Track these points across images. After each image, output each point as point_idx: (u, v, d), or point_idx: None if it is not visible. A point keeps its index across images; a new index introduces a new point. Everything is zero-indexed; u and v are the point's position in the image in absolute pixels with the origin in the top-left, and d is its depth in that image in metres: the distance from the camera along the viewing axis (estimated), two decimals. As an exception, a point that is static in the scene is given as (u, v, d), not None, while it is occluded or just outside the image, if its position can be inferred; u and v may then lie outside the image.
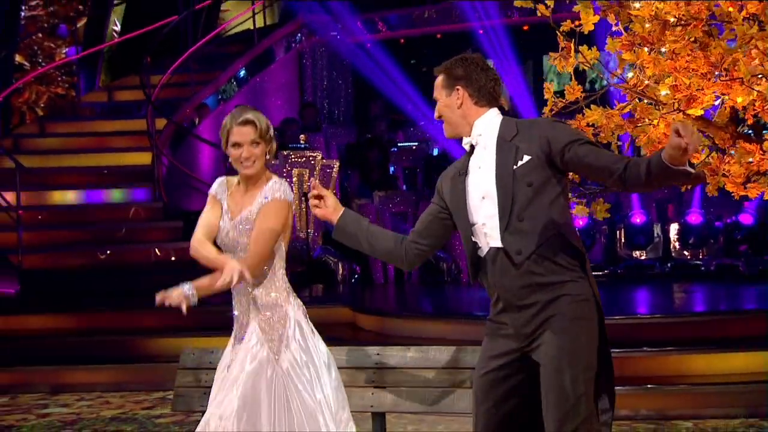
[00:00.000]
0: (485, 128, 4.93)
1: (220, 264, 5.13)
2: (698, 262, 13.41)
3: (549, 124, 4.85)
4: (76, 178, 15.60)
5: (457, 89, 4.94)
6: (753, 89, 4.63)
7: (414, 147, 15.90)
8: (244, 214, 5.33)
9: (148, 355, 11.64)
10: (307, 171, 14.35)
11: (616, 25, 5.36)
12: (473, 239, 4.95)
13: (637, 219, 13.49)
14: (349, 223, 5.29)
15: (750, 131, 5.26)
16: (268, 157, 5.36)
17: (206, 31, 18.05)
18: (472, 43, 18.53)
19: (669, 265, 13.40)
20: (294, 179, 14.27)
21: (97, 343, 11.92)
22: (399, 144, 15.65)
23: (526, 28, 16.63)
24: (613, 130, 5.35)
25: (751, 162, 5.00)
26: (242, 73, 17.81)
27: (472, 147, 4.98)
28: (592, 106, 5.41)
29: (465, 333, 10.16)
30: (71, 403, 10.60)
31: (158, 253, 14.17)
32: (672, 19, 4.91)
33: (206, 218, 5.44)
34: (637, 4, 5.34)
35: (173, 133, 16.26)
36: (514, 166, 4.77)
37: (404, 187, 14.97)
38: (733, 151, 5.32)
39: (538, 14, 5.55)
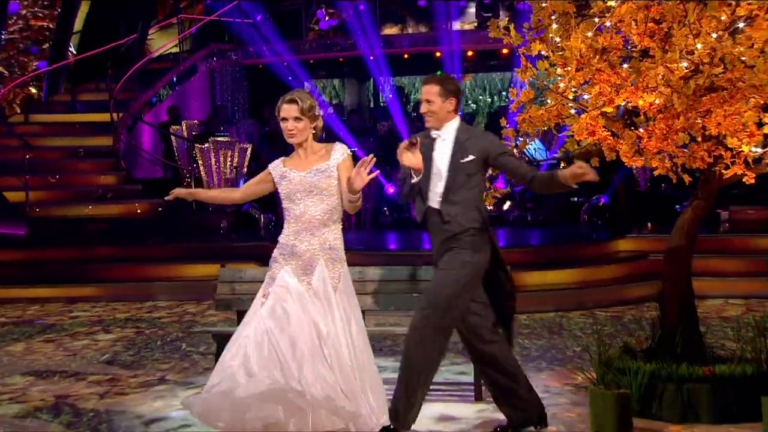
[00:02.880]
0: (450, 129, 5.13)
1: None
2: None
3: (487, 137, 5.21)
4: (62, 153, 15.17)
5: (451, 99, 5.12)
6: (662, 93, 4.93)
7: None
8: (319, 166, 4.80)
9: (135, 277, 11.45)
10: (230, 151, 14.24)
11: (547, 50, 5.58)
12: (423, 195, 5.14)
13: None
14: None
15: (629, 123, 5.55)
16: (314, 132, 4.89)
17: (139, 52, 17.74)
18: (342, 66, 18.67)
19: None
20: (221, 157, 14.14)
21: (96, 269, 11.70)
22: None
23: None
24: (545, 121, 5.56)
25: (640, 143, 5.31)
26: (174, 80, 17.48)
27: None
28: (533, 105, 5.63)
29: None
30: (88, 309, 10.43)
31: (123, 208, 13.96)
32: (600, 48, 5.17)
33: (251, 182, 5.19)
34: (557, 39, 5.59)
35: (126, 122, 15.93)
36: (461, 161, 5.04)
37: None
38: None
39: (506, 41, 5.69)
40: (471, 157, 5.06)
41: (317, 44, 17.59)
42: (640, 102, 5.10)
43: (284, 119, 4.84)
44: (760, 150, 5.17)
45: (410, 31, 18.65)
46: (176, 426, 5.69)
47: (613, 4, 5.20)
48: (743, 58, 4.85)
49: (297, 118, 4.79)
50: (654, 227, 11.90)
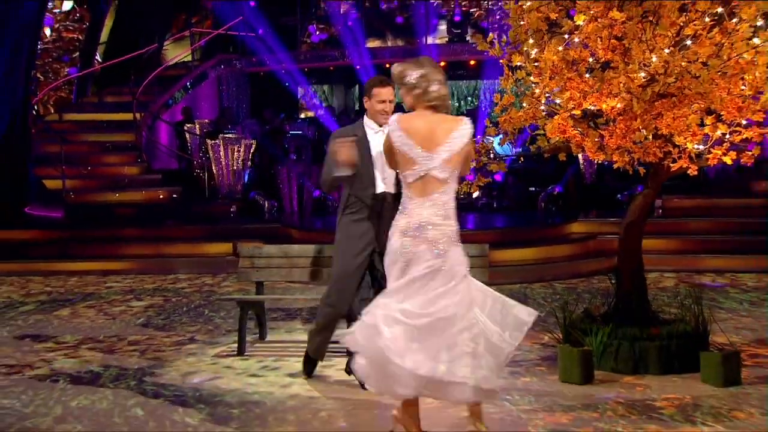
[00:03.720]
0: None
1: None
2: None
3: None
4: (92, 147, 15.06)
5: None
6: (623, 99, 5.03)
7: (299, 133, 15.96)
8: None
9: (159, 254, 11.40)
10: (237, 146, 14.19)
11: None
12: (372, 181, 4.98)
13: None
14: None
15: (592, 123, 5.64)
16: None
17: (156, 60, 17.70)
18: (331, 74, 18.61)
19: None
20: (229, 151, 14.11)
21: (125, 246, 11.65)
22: (291, 132, 15.62)
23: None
24: (522, 121, 5.64)
25: (602, 140, 5.41)
26: (188, 85, 17.37)
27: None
28: (513, 108, 5.70)
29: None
30: (120, 281, 10.37)
31: (145, 194, 13.90)
32: (571, 60, 5.25)
33: None
34: (532, 52, 5.65)
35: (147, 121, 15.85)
36: None
37: (293, 156, 14.81)
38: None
39: (491, 53, 5.74)
40: None
41: (311, 55, 17.58)
42: (604, 106, 5.18)
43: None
44: (701, 147, 5.30)
45: (389, 44, 18.74)
46: (209, 378, 5.75)
47: (581, 23, 5.27)
48: (690, 70, 4.97)
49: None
50: (599, 213, 12.04)
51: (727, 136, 5.27)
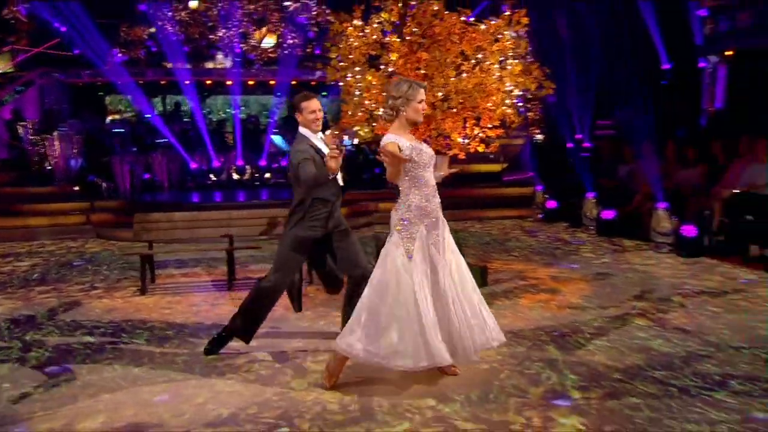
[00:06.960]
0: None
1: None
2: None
3: (291, 148, 4.20)
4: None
5: None
6: (428, 110, 5.64)
7: (121, 131, 14.69)
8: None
9: (21, 226, 9.99)
10: (68, 140, 12.87)
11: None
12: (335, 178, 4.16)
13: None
14: None
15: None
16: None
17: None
18: (138, 86, 17.17)
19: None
20: (63, 144, 12.76)
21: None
22: (113, 130, 14.32)
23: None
24: (355, 122, 6.01)
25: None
26: (17, 90, 15.18)
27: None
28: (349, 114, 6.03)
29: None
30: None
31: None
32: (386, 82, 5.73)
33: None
34: (358, 76, 6.04)
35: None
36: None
37: (117, 147, 13.65)
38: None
39: (333, 76, 6.00)
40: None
41: (116, 71, 16.21)
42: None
43: (422, 101, 3.76)
44: (466, 141, 6.11)
45: (179, 66, 17.83)
46: (132, 311, 5.49)
47: (393, 59, 5.79)
48: (465, 92, 5.72)
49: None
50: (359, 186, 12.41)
51: (479, 134, 6.13)
